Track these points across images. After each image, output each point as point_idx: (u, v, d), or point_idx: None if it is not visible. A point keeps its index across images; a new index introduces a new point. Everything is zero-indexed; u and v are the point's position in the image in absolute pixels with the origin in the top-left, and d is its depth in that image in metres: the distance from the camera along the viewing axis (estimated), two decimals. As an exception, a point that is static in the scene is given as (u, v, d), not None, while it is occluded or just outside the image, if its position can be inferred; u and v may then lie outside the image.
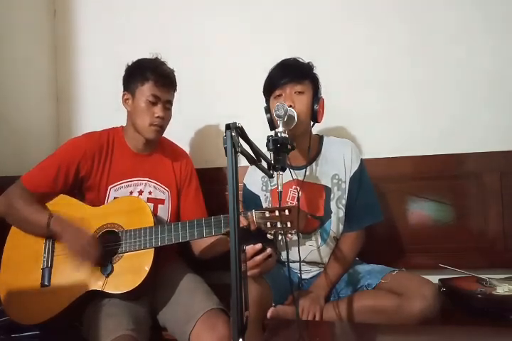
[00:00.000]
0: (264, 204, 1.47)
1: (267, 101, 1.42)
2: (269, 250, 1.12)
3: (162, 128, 1.44)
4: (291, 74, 1.33)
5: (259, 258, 1.11)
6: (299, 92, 1.33)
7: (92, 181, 1.41)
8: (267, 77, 1.39)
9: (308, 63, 1.39)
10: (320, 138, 1.48)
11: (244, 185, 1.53)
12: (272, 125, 1.40)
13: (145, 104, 1.39)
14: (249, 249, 1.09)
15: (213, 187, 1.73)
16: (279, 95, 1.35)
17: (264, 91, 1.41)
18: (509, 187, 1.61)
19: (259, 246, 1.10)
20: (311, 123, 1.41)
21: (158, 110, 1.40)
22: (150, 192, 1.46)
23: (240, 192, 1.52)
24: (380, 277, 1.29)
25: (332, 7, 1.80)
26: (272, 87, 1.37)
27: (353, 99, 1.76)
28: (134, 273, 1.25)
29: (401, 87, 1.74)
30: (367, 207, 1.42)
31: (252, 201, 1.49)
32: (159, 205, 1.47)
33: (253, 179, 1.50)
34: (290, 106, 1.29)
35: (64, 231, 1.28)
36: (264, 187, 1.48)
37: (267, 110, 1.41)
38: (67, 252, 1.28)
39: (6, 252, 1.35)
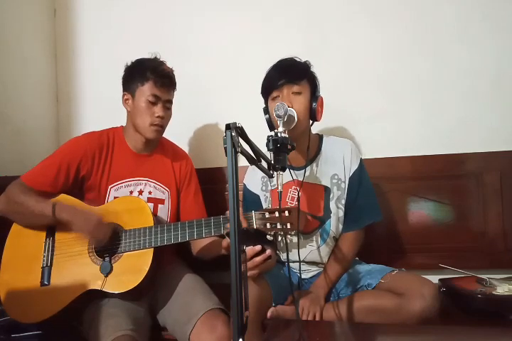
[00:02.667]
0: (264, 204, 1.47)
1: (266, 102, 1.42)
2: (268, 251, 1.12)
3: (162, 127, 1.44)
4: (287, 76, 1.33)
5: (258, 259, 1.11)
6: (296, 93, 1.33)
7: (92, 181, 1.41)
8: (264, 79, 1.39)
9: (305, 62, 1.39)
10: (319, 138, 1.48)
11: (244, 185, 1.53)
12: (271, 126, 1.40)
13: (145, 104, 1.39)
14: (249, 250, 1.10)
15: (213, 187, 1.73)
16: (277, 96, 1.35)
17: (262, 93, 1.41)
18: (509, 187, 1.61)
19: (258, 247, 1.11)
20: (310, 122, 1.41)
21: (158, 110, 1.40)
22: (150, 192, 1.46)
23: (240, 192, 1.52)
24: (379, 277, 1.29)
25: (332, 6, 1.80)
26: (269, 88, 1.37)
27: (354, 99, 1.76)
28: (134, 273, 1.26)
29: (401, 87, 1.74)
30: (366, 206, 1.42)
31: (251, 201, 1.49)
32: (159, 205, 1.47)
33: (253, 179, 1.50)
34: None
35: (71, 216, 1.27)
36: (263, 187, 1.48)
37: (266, 111, 1.41)
38: (80, 235, 1.29)
39: (6, 251, 1.35)
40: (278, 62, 1.39)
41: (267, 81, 1.38)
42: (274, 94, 1.35)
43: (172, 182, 1.51)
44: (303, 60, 1.39)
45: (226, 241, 1.20)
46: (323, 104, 1.40)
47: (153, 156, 1.51)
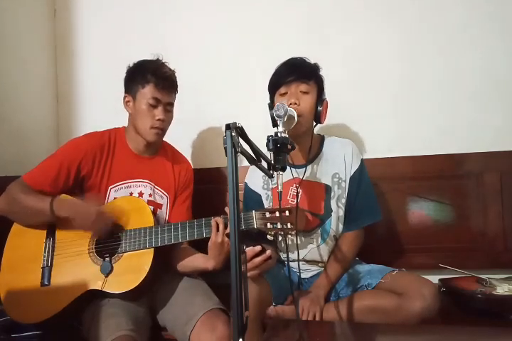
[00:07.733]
0: (266, 203, 1.47)
1: (272, 97, 1.42)
2: (268, 252, 1.12)
3: (163, 130, 1.44)
4: (297, 73, 1.34)
5: (258, 260, 1.11)
6: (304, 92, 1.34)
7: (92, 181, 1.41)
8: (273, 74, 1.40)
9: (315, 64, 1.40)
10: (321, 138, 1.49)
11: (246, 183, 1.53)
12: (275, 122, 1.39)
13: (146, 106, 1.39)
14: (249, 251, 1.10)
15: (213, 187, 1.74)
16: (285, 93, 1.35)
17: (269, 88, 1.42)
18: (509, 187, 1.61)
19: (258, 248, 1.11)
20: (314, 123, 1.42)
21: (159, 113, 1.39)
22: (150, 195, 1.45)
23: (241, 192, 1.52)
24: (380, 277, 1.29)
25: (332, 7, 1.80)
26: (277, 83, 1.37)
27: (353, 99, 1.76)
28: (134, 273, 1.26)
29: (401, 87, 1.75)
30: (366, 207, 1.42)
31: (253, 199, 1.49)
32: (158, 210, 1.46)
33: (254, 177, 1.51)
34: (295, 103, 1.31)
35: (70, 211, 1.28)
36: (265, 186, 1.49)
37: (271, 106, 1.40)
38: (79, 230, 1.30)
39: (6, 252, 1.35)
40: (288, 59, 1.39)
41: (276, 76, 1.39)
42: (283, 90, 1.36)
43: (171, 188, 1.49)
44: (312, 62, 1.40)
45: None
46: (328, 107, 1.40)
47: (155, 160, 1.50)
